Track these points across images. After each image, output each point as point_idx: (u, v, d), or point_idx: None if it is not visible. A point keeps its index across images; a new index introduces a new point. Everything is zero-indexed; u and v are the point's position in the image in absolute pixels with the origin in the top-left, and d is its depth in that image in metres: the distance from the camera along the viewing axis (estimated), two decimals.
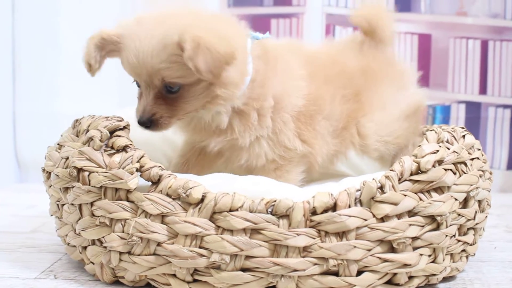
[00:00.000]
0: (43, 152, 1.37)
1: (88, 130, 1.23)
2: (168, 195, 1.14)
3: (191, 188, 1.13)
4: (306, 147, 1.33)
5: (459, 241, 1.23)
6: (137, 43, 1.20)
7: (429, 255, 1.19)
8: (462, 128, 1.35)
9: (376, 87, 1.43)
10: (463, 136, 1.31)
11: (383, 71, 1.45)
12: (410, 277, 1.19)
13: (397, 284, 1.18)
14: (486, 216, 1.32)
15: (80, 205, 1.20)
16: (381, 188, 1.15)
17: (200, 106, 1.24)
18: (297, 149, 1.32)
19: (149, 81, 1.21)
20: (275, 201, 1.12)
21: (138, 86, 1.26)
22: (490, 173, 1.34)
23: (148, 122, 1.22)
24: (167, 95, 1.22)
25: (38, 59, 2.17)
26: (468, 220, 1.24)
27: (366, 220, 1.13)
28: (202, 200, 1.13)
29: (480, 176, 1.26)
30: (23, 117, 2.21)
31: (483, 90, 2.16)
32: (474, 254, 1.32)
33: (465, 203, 1.23)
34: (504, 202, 2.00)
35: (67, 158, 1.23)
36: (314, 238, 1.12)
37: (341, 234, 1.12)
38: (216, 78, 1.18)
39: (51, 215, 1.36)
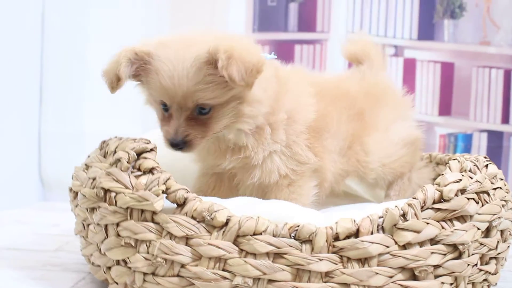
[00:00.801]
0: (67, 171, 1.39)
1: (115, 152, 1.25)
2: (193, 217, 1.16)
3: (216, 211, 1.15)
4: (318, 160, 1.36)
5: (481, 270, 1.24)
6: (170, 66, 1.23)
7: (451, 284, 1.19)
8: (485, 157, 1.36)
9: (378, 109, 1.48)
10: (486, 165, 1.31)
11: (386, 96, 1.51)
12: None
13: None
14: (509, 246, 1.32)
15: (106, 226, 1.22)
16: (404, 215, 1.16)
17: (227, 125, 1.28)
18: (310, 161, 1.35)
19: (183, 103, 1.24)
20: (298, 226, 1.14)
21: (165, 109, 1.28)
22: None
23: (182, 144, 1.25)
24: (198, 117, 1.25)
25: (65, 79, 2.20)
26: (490, 249, 1.24)
27: (388, 247, 1.14)
28: (226, 223, 1.15)
29: (503, 206, 1.27)
30: (48, 136, 2.23)
31: (505, 119, 2.16)
32: (496, 283, 1.32)
33: (487, 233, 1.24)
34: None
35: (94, 179, 1.25)
36: (337, 264, 1.13)
37: (363, 261, 1.13)
38: (248, 87, 1.21)
39: (76, 234, 1.38)
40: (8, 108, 2.07)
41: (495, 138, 2.17)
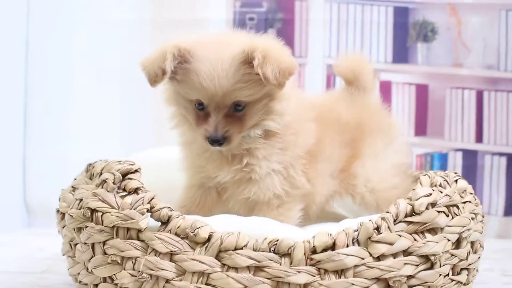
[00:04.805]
0: (52, 198, 1.42)
1: (101, 173, 1.30)
2: (176, 234, 1.21)
3: (198, 228, 1.20)
4: (309, 186, 1.41)
5: (452, 280, 1.29)
6: (210, 67, 1.29)
7: None
8: (455, 173, 1.42)
9: (368, 137, 1.52)
10: (456, 180, 1.38)
11: (374, 123, 1.54)
12: None
13: None
14: (479, 257, 1.38)
15: (93, 244, 1.26)
16: (377, 229, 1.22)
17: (258, 121, 1.35)
18: (303, 186, 1.40)
19: (221, 101, 1.31)
20: (277, 240, 1.19)
21: (200, 108, 1.34)
22: (483, 216, 1.40)
23: (222, 139, 1.32)
24: (233, 114, 1.33)
25: (49, 105, 2.23)
26: (461, 260, 1.30)
27: (363, 259, 1.20)
28: (208, 239, 1.20)
29: (472, 219, 1.33)
30: (32, 162, 2.25)
31: (479, 138, 2.23)
32: None
33: (457, 244, 1.29)
34: (501, 247, 2.03)
35: (81, 200, 1.29)
36: (314, 276, 1.18)
37: (340, 272, 1.19)
38: (280, 87, 1.29)
39: (63, 255, 1.42)
40: None
41: (469, 157, 2.23)
